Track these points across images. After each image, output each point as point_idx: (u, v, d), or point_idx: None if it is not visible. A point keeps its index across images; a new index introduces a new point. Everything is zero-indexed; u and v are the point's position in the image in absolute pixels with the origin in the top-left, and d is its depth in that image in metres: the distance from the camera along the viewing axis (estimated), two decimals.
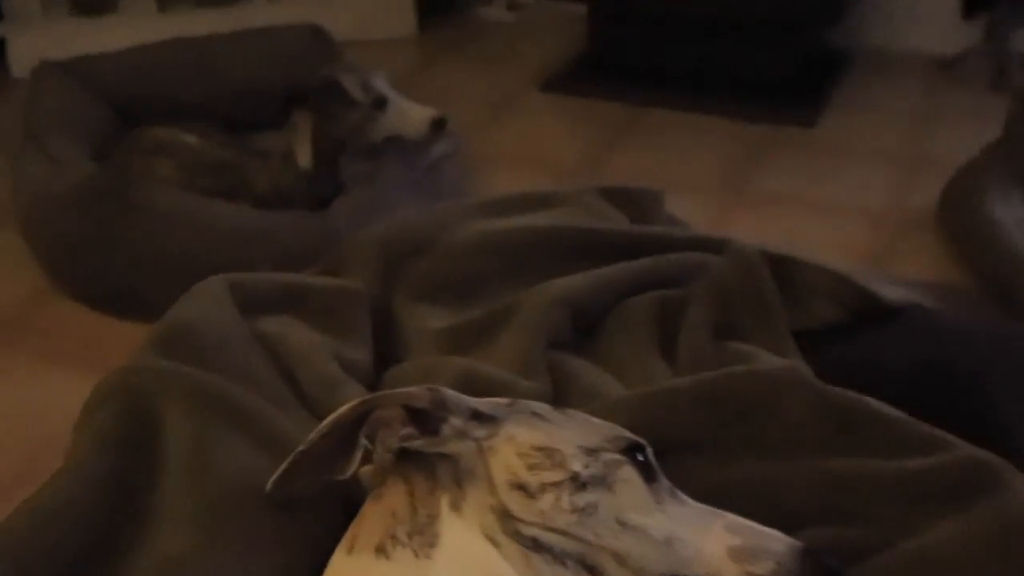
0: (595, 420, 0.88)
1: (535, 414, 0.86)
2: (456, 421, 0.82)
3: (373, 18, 3.24)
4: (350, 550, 0.79)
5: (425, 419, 0.82)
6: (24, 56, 2.87)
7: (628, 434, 0.87)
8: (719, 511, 0.86)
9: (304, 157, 2.11)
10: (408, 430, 0.81)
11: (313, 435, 0.81)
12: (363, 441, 0.81)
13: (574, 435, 0.84)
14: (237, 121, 2.40)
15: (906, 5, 3.12)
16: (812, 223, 2.28)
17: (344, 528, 0.83)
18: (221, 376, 0.96)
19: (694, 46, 2.87)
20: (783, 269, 1.24)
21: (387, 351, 1.22)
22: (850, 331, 1.22)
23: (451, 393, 0.84)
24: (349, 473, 0.82)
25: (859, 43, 3.15)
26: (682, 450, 0.98)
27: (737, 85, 2.82)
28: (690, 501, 0.86)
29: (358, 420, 0.81)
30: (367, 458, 0.84)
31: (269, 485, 0.82)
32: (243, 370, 1.00)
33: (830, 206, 2.36)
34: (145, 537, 0.82)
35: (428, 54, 3.27)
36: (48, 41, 2.84)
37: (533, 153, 2.63)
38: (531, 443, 0.82)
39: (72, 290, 2.04)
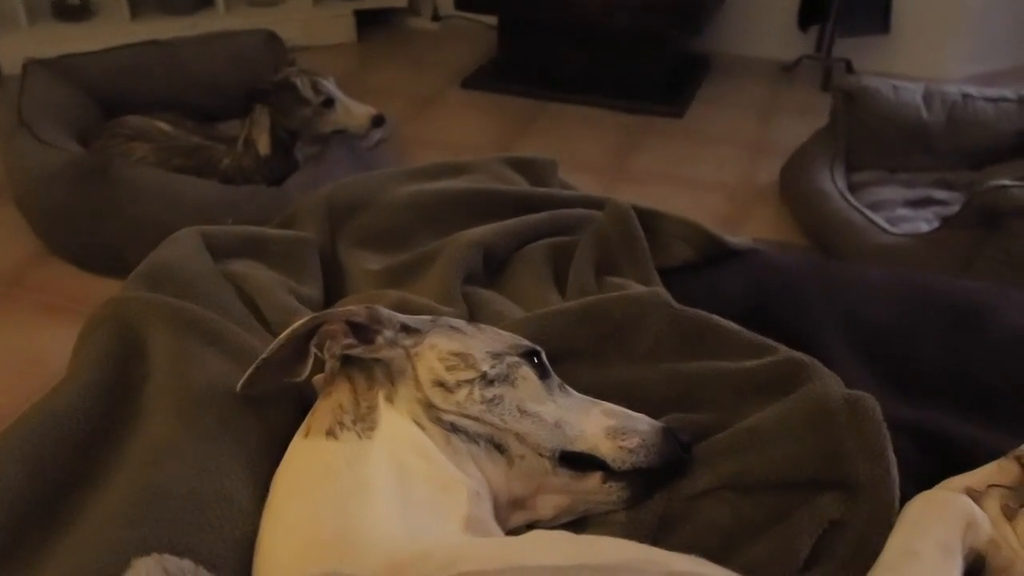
0: (501, 331, 0.91)
1: (452, 327, 0.88)
2: (388, 333, 0.84)
3: (318, 27, 3.17)
4: (306, 435, 0.80)
5: (363, 331, 0.83)
6: (12, 56, 2.75)
7: (526, 342, 0.89)
8: (598, 400, 0.89)
9: (264, 145, 2.09)
10: (349, 340, 0.83)
11: (273, 345, 0.82)
12: (313, 350, 0.82)
13: (484, 343, 0.87)
14: (202, 112, 2.35)
15: (754, 19, 3.14)
16: (681, 195, 2.29)
17: (300, 422, 0.84)
18: (195, 304, 0.95)
19: (585, 52, 2.86)
20: (649, 220, 1.25)
21: (334, 289, 1.21)
22: (701, 267, 1.24)
23: (384, 310, 0.86)
24: (303, 376, 0.84)
25: (717, 50, 3.18)
26: (570, 357, 1.00)
27: (619, 83, 2.82)
28: (575, 393, 0.89)
29: (309, 333, 0.82)
30: (319, 367, 0.85)
31: (239, 386, 0.83)
32: (213, 300, 0.99)
33: (695, 181, 2.39)
34: (135, 431, 0.82)
35: (365, 57, 3.21)
36: (33, 43, 2.74)
37: (454, 139, 2.61)
38: (449, 350, 0.84)
39: (64, 253, 1.98)
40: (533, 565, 0.60)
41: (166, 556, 0.58)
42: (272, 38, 2.52)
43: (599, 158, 2.50)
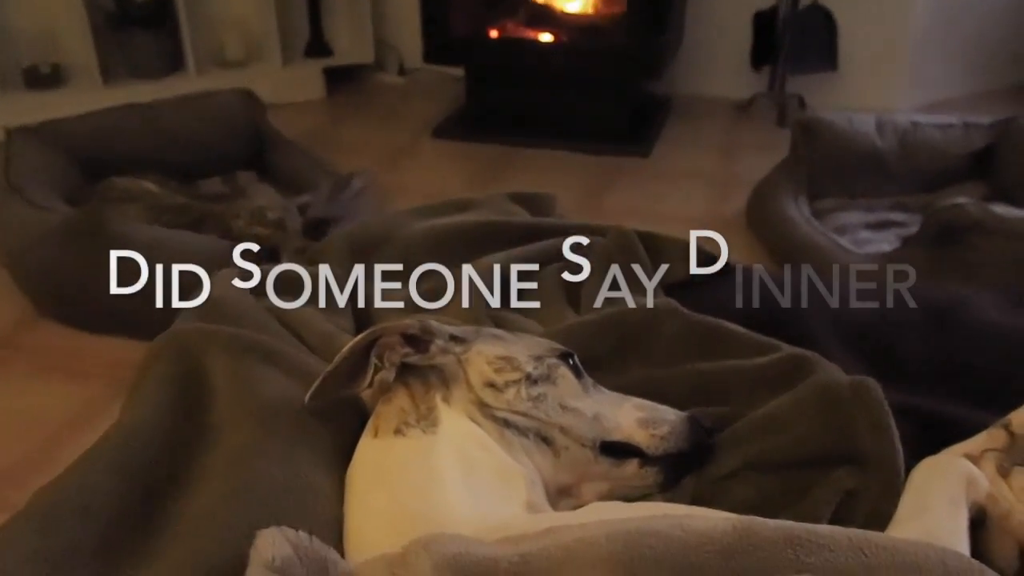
0: (537, 338, 1.01)
1: (495, 335, 0.99)
2: (440, 342, 0.94)
3: (288, 85, 3.25)
4: (375, 435, 0.89)
5: (417, 341, 0.93)
6: None
7: (560, 346, 0.99)
8: (627, 396, 1.00)
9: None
10: (406, 350, 0.92)
11: (337, 358, 0.91)
12: (374, 360, 0.92)
13: (524, 348, 0.97)
14: (181, 170, 2.42)
15: (709, 61, 3.31)
16: (654, 229, 2.34)
17: (360, 429, 0.92)
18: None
19: (551, 99, 2.95)
20: (649, 241, 1.36)
21: (361, 321, 1.27)
22: (699, 283, 1.35)
23: (434, 323, 0.95)
24: (364, 386, 0.93)
25: (677, 92, 3.33)
26: (593, 364, 1.07)
27: (587, 127, 2.92)
28: (607, 391, 1.00)
29: (368, 346, 0.92)
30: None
31: (307, 397, 0.91)
32: (263, 329, 1.06)
33: (665, 216, 2.46)
34: (213, 442, 0.88)
35: (336, 113, 3.28)
36: (7, 112, 2.76)
37: (430, 187, 2.66)
38: (495, 354, 0.94)
39: (56, 313, 2.01)
40: (609, 518, 0.69)
41: (285, 528, 0.66)
42: (249, 96, 2.60)
43: (573, 199, 2.57)
